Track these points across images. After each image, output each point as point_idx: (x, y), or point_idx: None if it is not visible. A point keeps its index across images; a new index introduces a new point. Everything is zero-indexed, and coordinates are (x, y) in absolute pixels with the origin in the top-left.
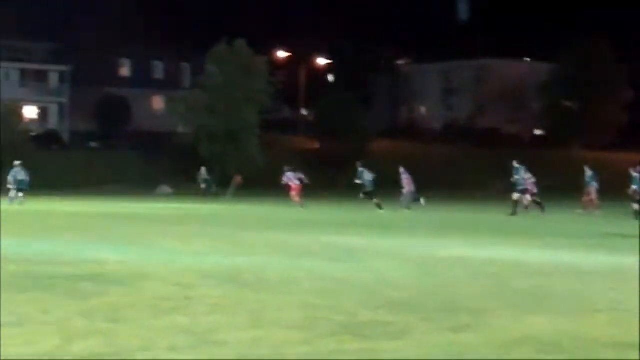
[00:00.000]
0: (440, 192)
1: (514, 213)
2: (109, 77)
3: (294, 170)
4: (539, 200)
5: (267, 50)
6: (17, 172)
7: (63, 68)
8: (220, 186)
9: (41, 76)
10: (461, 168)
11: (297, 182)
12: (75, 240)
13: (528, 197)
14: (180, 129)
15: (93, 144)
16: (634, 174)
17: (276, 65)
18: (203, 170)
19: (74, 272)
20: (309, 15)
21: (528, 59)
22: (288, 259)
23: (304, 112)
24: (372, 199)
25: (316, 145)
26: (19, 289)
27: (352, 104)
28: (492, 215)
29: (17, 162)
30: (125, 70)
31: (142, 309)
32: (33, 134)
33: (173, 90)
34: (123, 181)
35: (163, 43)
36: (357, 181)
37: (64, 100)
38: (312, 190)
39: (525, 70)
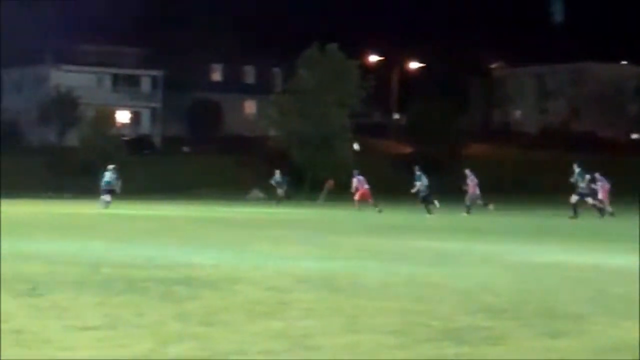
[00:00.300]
0: (535, 196)
1: (574, 216)
2: (200, 81)
3: (361, 174)
4: (600, 205)
5: (358, 54)
6: (109, 176)
7: (155, 73)
8: (313, 191)
9: (133, 81)
10: (556, 172)
11: (367, 187)
12: (169, 244)
13: (590, 200)
14: (272, 133)
15: (185, 149)
16: None
17: (368, 69)
18: (277, 173)
19: (168, 275)
20: (401, 18)
21: (624, 62)
22: (383, 264)
23: (395, 116)
24: (428, 202)
25: (408, 149)
26: (113, 291)
27: (445, 108)
28: (587, 220)
29: (110, 166)
30: (217, 75)
31: (236, 312)
32: (125, 138)
33: (264, 94)
34: (215, 185)
35: (255, 48)
36: (416, 184)
37: (156, 105)
38: (404, 195)
39: (622, 73)
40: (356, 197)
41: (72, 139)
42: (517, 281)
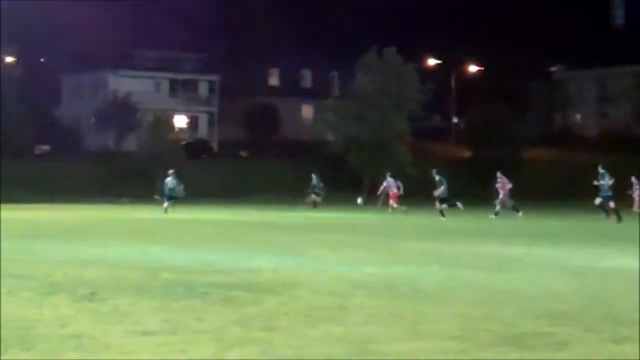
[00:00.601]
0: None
1: (610, 217)
2: (258, 86)
3: (394, 177)
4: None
5: (417, 57)
6: (170, 181)
7: (213, 78)
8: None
9: (191, 86)
10: (617, 177)
11: (396, 190)
12: (228, 249)
13: (611, 203)
14: (329, 137)
15: (242, 153)
16: None
17: (426, 72)
18: (314, 177)
19: (228, 280)
20: (460, 21)
21: None
22: (443, 269)
23: (454, 119)
24: (450, 204)
25: (467, 153)
26: (174, 296)
27: (505, 111)
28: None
29: (170, 171)
30: (274, 79)
31: (296, 318)
32: (183, 143)
33: (322, 99)
34: (272, 190)
35: (312, 52)
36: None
37: (213, 109)
38: (463, 199)
39: None
40: (390, 201)
41: (130, 143)
42: (581, 286)
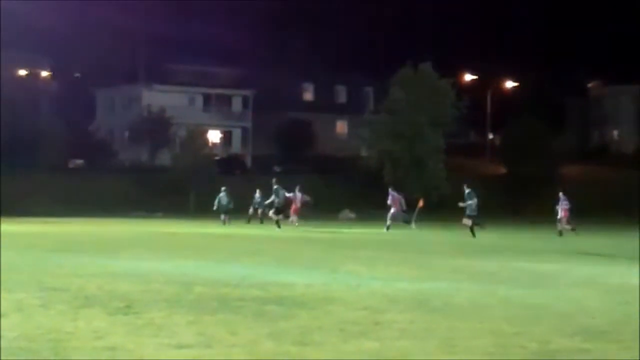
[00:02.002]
0: (632, 217)
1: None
2: (292, 101)
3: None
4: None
5: (452, 73)
6: (222, 197)
7: (246, 93)
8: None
9: (225, 101)
10: None
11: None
12: (262, 263)
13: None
14: (364, 153)
15: (276, 168)
16: None
17: (462, 88)
18: (257, 192)
19: (261, 294)
20: (496, 37)
21: None
22: (477, 285)
23: (490, 136)
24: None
25: (502, 169)
26: (207, 310)
27: (541, 127)
28: None
29: (223, 188)
30: (308, 95)
31: (330, 332)
32: (217, 158)
33: (356, 114)
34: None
35: (347, 67)
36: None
37: (247, 124)
38: (498, 216)
39: None
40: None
41: (164, 158)
42: (615, 303)
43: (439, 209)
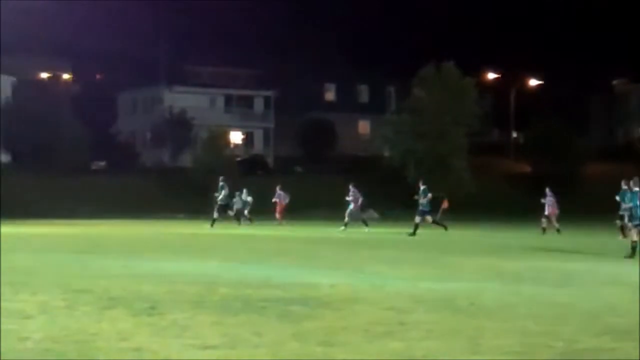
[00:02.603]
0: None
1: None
2: (314, 101)
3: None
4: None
5: (475, 71)
6: (244, 196)
7: (268, 93)
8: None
9: (246, 102)
10: None
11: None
12: (285, 264)
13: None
14: (387, 153)
15: (298, 169)
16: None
17: (485, 86)
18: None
19: (285, 295)
20: (519, 35)
21: None
22: (503, 284)
23: (514, 134)
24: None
25: (526, 168)
26: (231, 311)
27: (565, 126)
28: None
29: (244, 190)
30: (330, 95)
31: (355, 333)
32: (238, 159)
33: (379, 114)
34: (329, 205)
35: (368, 66)
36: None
37: (269, 125)
38: (522, 214)
39: None
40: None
41: (186, 159)
42: None
43: (463, 208)
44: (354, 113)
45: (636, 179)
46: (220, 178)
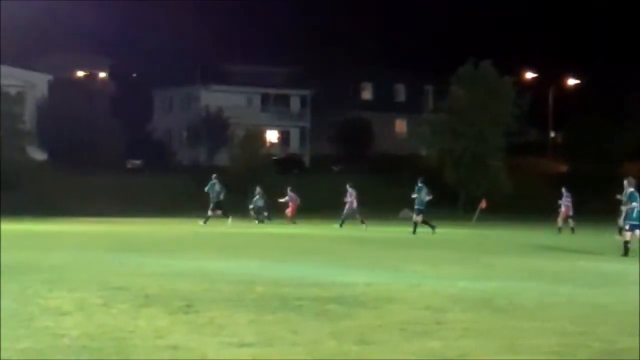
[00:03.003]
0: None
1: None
2: (350, 100)
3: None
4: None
5: (513, 71)
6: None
7: (304, 92)
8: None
9: (283, 101)
10: None
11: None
12: (322, 263)
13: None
14: (424, 152)
15: (334, 168)
16: None
17: (523, 86)
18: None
19: (321, 294)
20: (557, 34)
21: None
22: (541, 285)
23: (552, 134)
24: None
25: (565, 168)
26: (268, 309)
27: (604, 125)
28: None
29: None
30: (367, 94)
31: (392, 332)
32: (275, 158)
33: (415, 113)
34: (365, 205)
35: (406, 65)
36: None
37: (305, 124)
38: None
39: None
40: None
41: (222, 158)
42: None
43: (500, 208)
44: (391, 112)
45: (630, 178)
46: (213, 176)
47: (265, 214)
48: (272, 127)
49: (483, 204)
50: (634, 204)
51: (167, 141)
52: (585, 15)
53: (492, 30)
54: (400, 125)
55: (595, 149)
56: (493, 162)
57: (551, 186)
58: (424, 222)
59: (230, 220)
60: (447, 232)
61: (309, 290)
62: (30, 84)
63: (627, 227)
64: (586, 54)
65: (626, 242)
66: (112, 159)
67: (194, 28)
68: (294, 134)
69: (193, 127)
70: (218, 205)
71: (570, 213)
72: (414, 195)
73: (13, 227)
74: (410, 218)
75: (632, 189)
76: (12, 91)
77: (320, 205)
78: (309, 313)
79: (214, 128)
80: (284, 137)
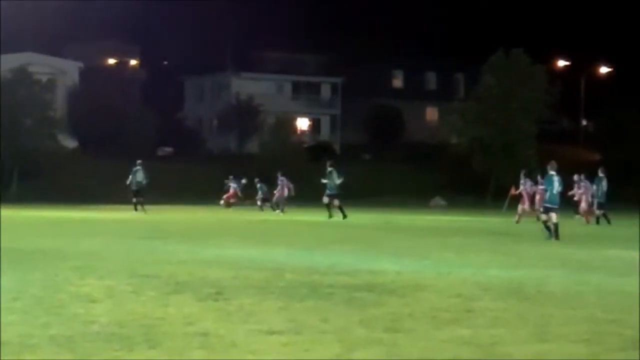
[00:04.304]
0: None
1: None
2: (381, 88)
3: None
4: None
5: (545, 58)
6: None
7: (335, 80)
8: (495, 198)
9: (313, 88)
10: None
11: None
12: (351, 251)
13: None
14: (454, 140)
15: (365, 156)
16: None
17: (555, 73)
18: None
19: (351, 281)
20: (588, 22)
21: None
22: (570, 273)
23: (583, 122)
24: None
25: (596, 156)
26: (297, 297)
27: (637, 112)
28: None
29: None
30: (398, 82)
31: (421, 319)
32: (305, 145)
33: (446, 101)
34: (396, 193)
35: (437, 53)
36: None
37: (336, 112)
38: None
39: None
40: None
41: (252, 146)
42: None
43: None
44: (422, 100)
45: (553, 163)
46: (137, 162)
47: (259, 203)
48: (302, 114)
49: (513, 191)
50: (555, 185)
51: (197, 129)
52: (617, 2)
53: (524, 18)
54: (431, 114)
55: (628, 136)
56: (523, 150)
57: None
58: (339, 207)
59: (137, 209)
60: (476, 220)
61: (339, 278)
62: (61, 72)
63: (541, 209)
64: (618, 41)
65: (555, 224)
66: (142, 147)
67: (225, 15)
68: (325, 122)
69: (224, 114)
70: (138, 193)
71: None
72: (325, 181)
73: (43, 214)
74: (442, 206)
75: (552, 172)
76: (43, 78)
77: (349, 193)
78: (339, 300)
79: (244, 116)
80: (315, 125)
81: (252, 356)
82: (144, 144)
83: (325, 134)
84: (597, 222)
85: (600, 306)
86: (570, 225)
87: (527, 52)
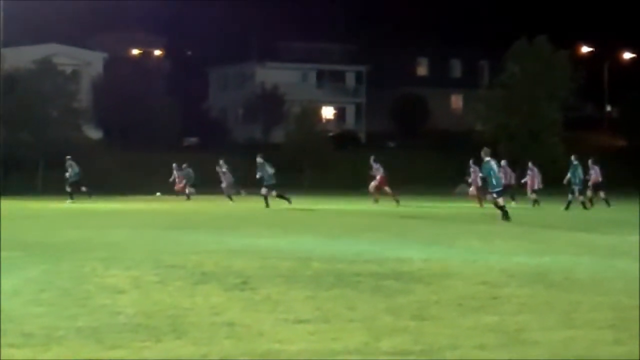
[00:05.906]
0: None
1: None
2: (406, 76)
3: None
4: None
5: (569, 45)
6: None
7: (360, 68)
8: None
9: (338, 77)
10: None
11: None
12: (377, 239)
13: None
14: (479, 127)
15: (390, 144)
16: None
17: (579, 60)
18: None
19: (377, 270)
20: (613, 7)
21: None
22: (597, 259)
23: (608, 108)
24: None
25: (621, 142)
26: (324, 285)
27: None
28: None
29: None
30: (422, 69)
31: (448, 307)
32: (330, 134)
33: (471, 88)
34: (421, 180)
35: (461, 41)
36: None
37: (360, 100)
38: (618, 189)
39: None
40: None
41: (278, 135)
42: None
43: (557, 183)
44: (447, 88)
45: (486, 149)
46: (67, 157)
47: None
48: (327, 103)
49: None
50: (495, 169)
51: (222, 119)
52: None
53: (547, 4)
54: (456, 101)
55: None
56: (548, 136)
57: (608, 161)
58: (279, 196)
59: (69, 201)
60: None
61: (365, 266)
62: (86, 62)
63: (494, 195)
64: None
65: (502, 207)
66: (167, 137)
67: (248, 5)
68: (350, 110)
69: (248, 104)
70: (75, 186)
71: (593, 182)
72: (259, 174)
73: (68, 205)
74: (467, 194)
75: (487, 158)
76: (68, 69)
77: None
78: (366, 289)
79: (269, 105)
80: (340, 113)
81: (279, 345)
82: (169, 134)
83: (350, 122)
84: (584, 206)
85: (626, 292)
86: (594, 210)
87: (550, 39)
